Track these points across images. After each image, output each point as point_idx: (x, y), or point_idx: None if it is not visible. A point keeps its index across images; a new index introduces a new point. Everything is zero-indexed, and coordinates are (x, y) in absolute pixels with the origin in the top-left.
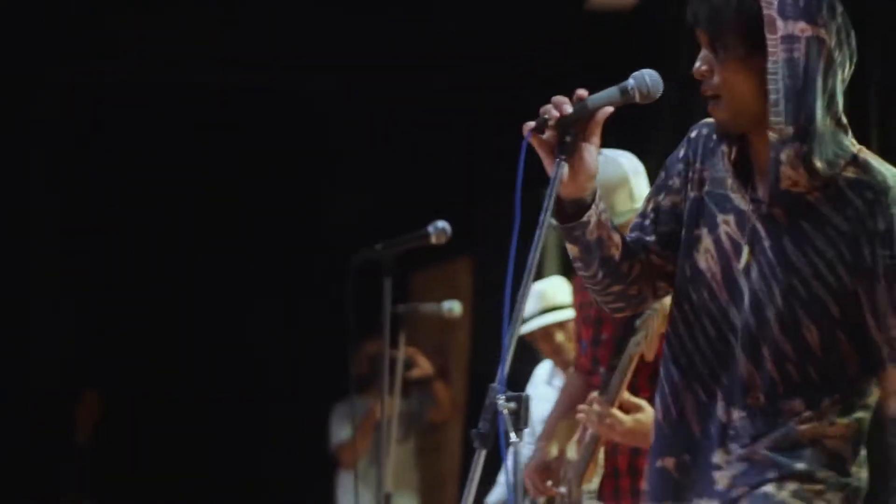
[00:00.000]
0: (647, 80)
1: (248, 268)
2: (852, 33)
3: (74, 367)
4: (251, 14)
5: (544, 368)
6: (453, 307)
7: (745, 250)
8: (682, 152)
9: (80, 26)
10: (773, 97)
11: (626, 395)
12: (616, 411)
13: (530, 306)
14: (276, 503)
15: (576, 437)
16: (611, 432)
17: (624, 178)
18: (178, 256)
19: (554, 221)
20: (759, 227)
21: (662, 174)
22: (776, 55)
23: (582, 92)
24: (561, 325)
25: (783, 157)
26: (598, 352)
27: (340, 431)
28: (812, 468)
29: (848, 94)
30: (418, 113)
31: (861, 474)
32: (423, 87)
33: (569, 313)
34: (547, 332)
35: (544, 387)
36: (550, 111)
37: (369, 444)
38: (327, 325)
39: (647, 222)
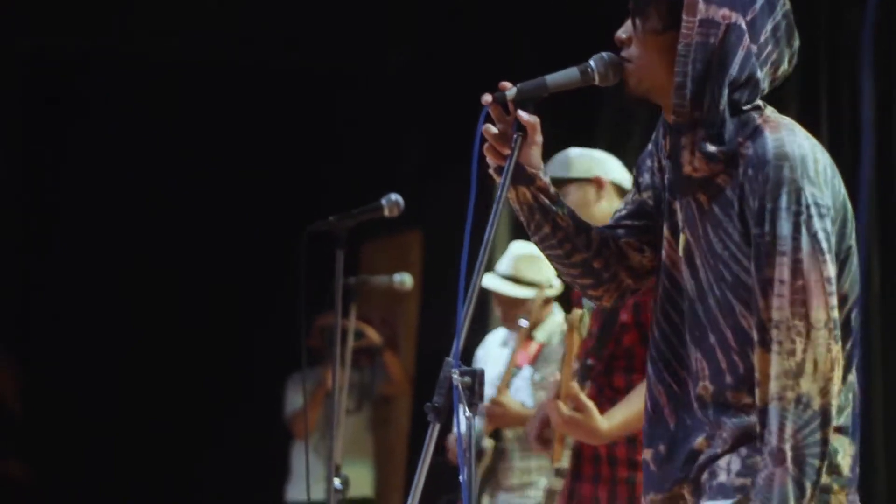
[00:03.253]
0: (606, 61)
1: (197, 239)
2: (795, 34)
3: None
4: None
5: (499, 333)
6: (404, 280)
7: (682, 236)
8: (649, 147)
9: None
10: (678, 79)
11: (577, 393)
12: (560, 402)
13: (504, 263)
14: (229, 474)
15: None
16: (552, 416)
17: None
18: (117, 221)
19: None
20: (694, 210)
21: (635, 171)
22: (690, 38)
23: (505, 84)
24: (524, 301)
25: (683, 141)
26: (587, 343)
27: (293, 402)
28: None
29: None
30: (369, 87)
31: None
32: (375, 63)
33: (531, 292)
34: (511, 299)
35: (497, 349)
36: (508, 86)
37: (320, 414)
38: (279, 296)
39: (618, 213)
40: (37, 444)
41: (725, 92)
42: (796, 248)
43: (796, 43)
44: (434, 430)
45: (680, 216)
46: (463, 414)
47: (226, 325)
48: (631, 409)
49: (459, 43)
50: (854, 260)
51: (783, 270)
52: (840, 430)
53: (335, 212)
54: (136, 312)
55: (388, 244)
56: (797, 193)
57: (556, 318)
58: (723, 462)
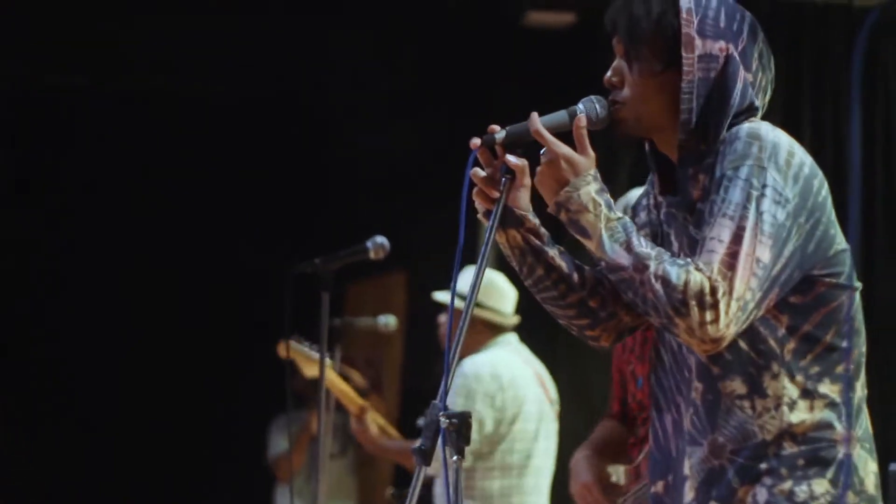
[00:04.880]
0: (596, 106)
1: (183, 281)
2: (772, 60)
3: None
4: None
5: None
6: (389, 321)
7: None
8: (645, 188)
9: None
10: (684, 116)
11: None
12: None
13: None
14: None
15: (636, 462)
16: None
17: None
18: (107, 262)
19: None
20: (689, 226)
21: (630, 212)
22: (691, 74)
23: (493, 126)
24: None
25: (690, 172)
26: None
27: (277, 445)
28: (776, 465)
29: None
30: (355, 125)
31: (852, 449)
32: (362, 100)
33: (486, 314)
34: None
35: None
36: (497, 129)
37: (305, 458)
38: (265, 338)
39: None
40: (37, 445)
41: (727, 123)
42: (743, 216)
43: (773, 66)
44: (421, 473)
45: (676, 245)
46: (450, 457)
47: (209, 369)
48: None
49: (451, 77)
50: (847, 259)
51: (723, 231)
52: (859, 441)
53: (319, 252)
54: (124, 355)
55: (372, 285)
56: (759, 171)
57: (488, 356)
58: (747, 496)
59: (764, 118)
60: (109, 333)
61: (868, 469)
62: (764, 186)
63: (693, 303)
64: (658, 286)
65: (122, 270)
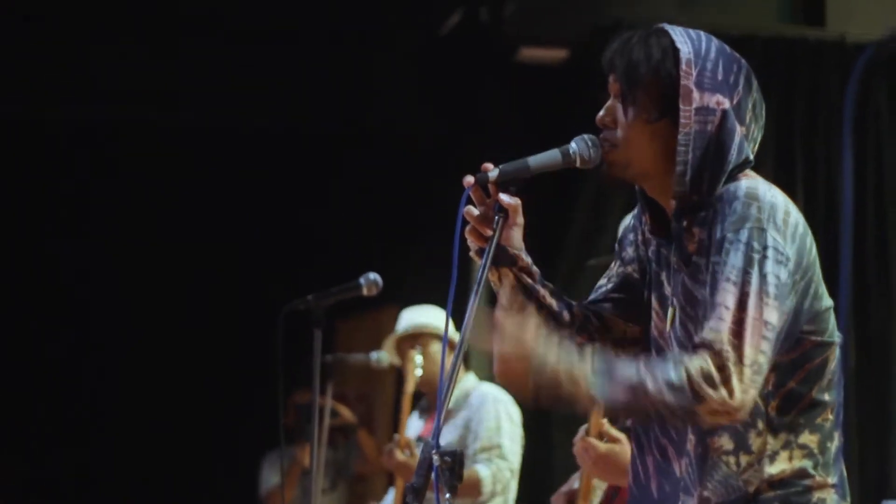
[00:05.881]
0: (588, 144)
1: (178, 317)
2: (764, 107)
3: None
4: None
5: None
6: (381, 357)
7: (671, 310)
8: (631, 221)
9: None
10: (679, 168)
11: (608, 427)
12: (591, 438)
13: (403, 321)
14: None
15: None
16: (584, 457)
17: None
18: (102, 303)
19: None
20: (683, 276)
21: (617, 246)
22: (688, 126)
23: (487, 165)
24: (434, 338)
25: (685, 223)
26: None
27: (269, 479)
28: None
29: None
30: (347, 160)
31: (826, 494)
32: (356, 137)
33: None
34: (418, 339)
35: (416, 420)
36: (491, 168)
37: (296, 492)
38: (257, 374)
39: (602, 287)
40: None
41: (724, 178)
42: (745, 281)
43: (763, 116)
44: None
45: (668, 288)
46: (443, 495)
47: (201, 407)
48: None
49: (445, 113)
50: (831, 316)
51: (728, 297)
52: (834, 487)
53: (311, 288)
54: (116, 400)
55: (364, 320)
56: (759, 233)
57: (465, 384)
58: None
59: (756, 158)
60: (108, 369)
61: None
62: (765, 248)
63: (705, 387)
64: (667, 397)
65: (120, 307)
